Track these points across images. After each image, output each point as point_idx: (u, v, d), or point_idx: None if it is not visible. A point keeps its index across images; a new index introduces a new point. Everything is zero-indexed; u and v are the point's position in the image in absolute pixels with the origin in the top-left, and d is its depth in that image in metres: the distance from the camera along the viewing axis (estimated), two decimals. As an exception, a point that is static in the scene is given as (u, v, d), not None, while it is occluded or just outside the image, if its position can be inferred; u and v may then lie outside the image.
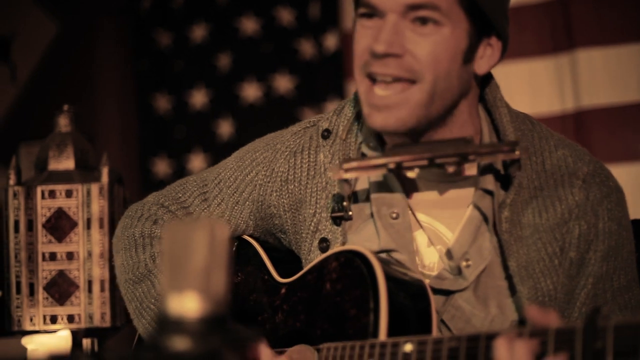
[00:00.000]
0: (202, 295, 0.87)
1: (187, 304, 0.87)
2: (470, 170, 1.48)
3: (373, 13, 1.44)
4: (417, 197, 1.51)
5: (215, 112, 3.58)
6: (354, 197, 1.53)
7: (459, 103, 1.49)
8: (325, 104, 3.47)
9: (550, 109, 3.13)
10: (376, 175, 1.52)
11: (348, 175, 1.48)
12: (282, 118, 3.41)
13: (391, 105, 1.43)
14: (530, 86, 3.14)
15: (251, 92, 3.56)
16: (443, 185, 1.50)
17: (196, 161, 3.58)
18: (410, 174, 1.47)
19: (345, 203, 1.51)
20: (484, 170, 1.49)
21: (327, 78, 3.47)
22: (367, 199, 1.52)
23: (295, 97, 3.52)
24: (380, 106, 1.44)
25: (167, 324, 0.87)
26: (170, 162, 3.62)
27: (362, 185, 1.53)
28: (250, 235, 1.62)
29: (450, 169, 1.44)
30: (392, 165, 1.45)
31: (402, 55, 1.42)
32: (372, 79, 1.44)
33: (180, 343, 0.86)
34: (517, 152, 1.42)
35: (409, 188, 1.52)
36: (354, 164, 1.47)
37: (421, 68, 1.42)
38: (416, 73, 1.42)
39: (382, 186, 1.51)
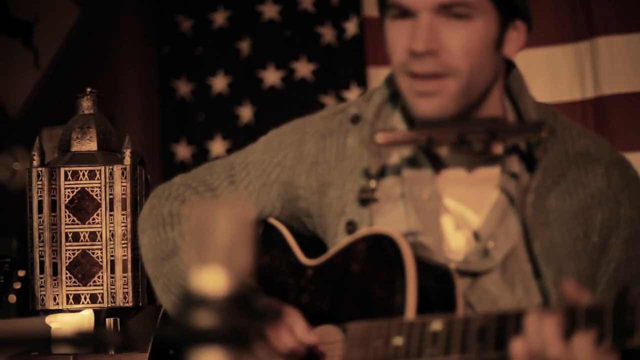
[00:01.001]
0: (228, 271, 0.87)
1: (213, 281, 0.87)
2: (497, 149, 1.50)
3: (405, 13, 1.46)
4: (445, 176, 1.53)
5: (236, 97, 3.59)
6: (382, 180, 1.54)
7: (492, 88, 1.51)
8: (346, 90, 3.47)
9: (571, 97, 3.12)
10: (406, 156, 1.53)
11: (380, 147, 1.49)
12: (302, 103, 3.42)
13: (434, 92, 1.45)
14: (550, 73, 3.14)
15: (271, 77, 3.57)
16: (471, 164, 1.52)
17: (216, 146, 3.60)
18: (440, 151, 1.49)
19: (372, 184, 1.52)
20: (510, 152, 1.51)
21: (348, 63, 3.47)
22: (396, 181, 1.53)
23: (316, 82, 3.52)
24: (424, 92, 1.46)
25: (193, 300, 0.88)
26: (191, 146, 3.63)
27: (390, 168, 1.54)
28: (276, 219, 1.63)
29: (478, 147, 1.46)
30: (422, 140, 1.46)
31: (438, 52, 1.44)
32: (412, 75, 1.47)
33: (205, 320, 0.87)
34: (544, 132, 1.44)
35: (438, 168, 1.53)
36: (386, 136, 1.48)
37: (457, 62, 1.44)
38: (452, 68, 1.45)
39: (413, 167, 1.53)
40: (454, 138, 1.46)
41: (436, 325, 1.30)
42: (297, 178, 1.59)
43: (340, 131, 1.58)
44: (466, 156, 1.51)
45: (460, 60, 1.44)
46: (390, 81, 1.58)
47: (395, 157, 1.54)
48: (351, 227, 1.51)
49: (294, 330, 1.44)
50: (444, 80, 1.45)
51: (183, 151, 3.64)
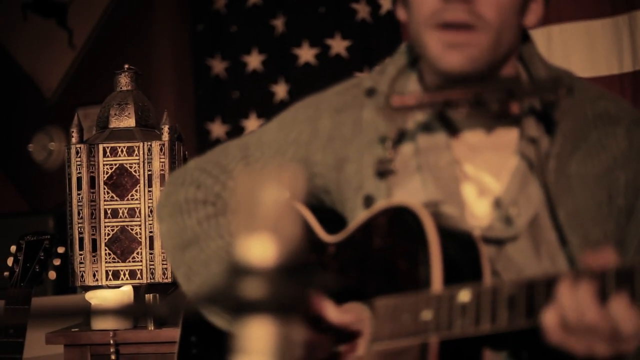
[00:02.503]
0: (275, 240, 0.86)
1: (260, 250, 0.86)
2: (514, 109, 1.48)
3: None
4: (461, 141, 1.50)
5: (270, 74, 3.58)
6: (398, 150, 1.52)
7: (510, 56, 1.49)
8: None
9: (609, 71, 3.09)
10: (421, 123, 1.51)
11: (395, 111, 1.47)
12: (337, 80, 3.40)
13: (464, 44, 1.43)
14: (588, 48, 3.10)
15: (306, 54, 3.55)
16: (488, 127, 1.50)
17: (251, 124, 3.59)
18: (457, 114, 1.47)
19: (389, 154, 1.50)
20: (527, 114, 1.49)
21: (382, 40, 3.44)
22: (412, 151, 1.51)
23: (350, 59, 3.50)
24: (455, 44, 1.43)
25: (239, 271, 0.86)
26: (226, 124, 3.63)
27: (406, 137, 1.52)
28: None
29: (495, 107, 1.44)
30: (438, 102, 1.44)
31: (472, 1, 1.42)
32: (442, 26, 1.44)
33: (253, 290, 0.86)
34: (561, 90, 1.42)
35: (453, 133, 1.51)
36: (401, 99, 1.46)
37: (489, 14, 1.42)
38: (484, 19, 1.42)
39: (428, 134, 1.51)
40: (470, 99, 1.43)
41: (464, 296, 1.28)
42: (313, 155, 1.57)
43: (355, 105, 1.56)
44: (483, 119, 1.49)
45: (492, 12, 1.42)
46: (403, 52, 1.56)
47: (410, 124, 1.52)
48: (369, 201, 1.49)
49: (327, 313, 1.43)
50: (475, 33, 1.42)
51: (218, 129, 3.64)
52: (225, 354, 1.52)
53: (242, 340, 0.85)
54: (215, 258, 1.53)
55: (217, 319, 1.55)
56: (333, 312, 1.41)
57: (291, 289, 0.87)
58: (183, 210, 1.60)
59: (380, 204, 1.45)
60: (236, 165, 1.61)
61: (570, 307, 1.21)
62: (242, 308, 0.87)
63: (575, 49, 3.00)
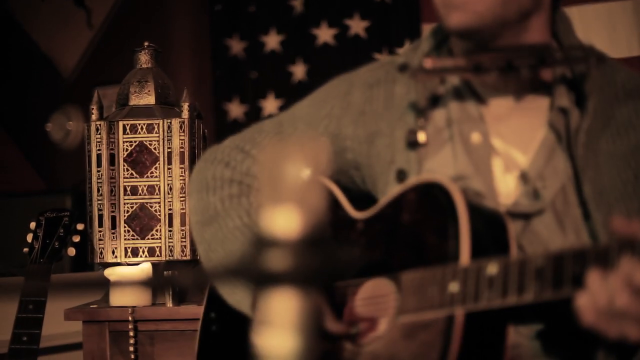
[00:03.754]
0: (301, 212, 0.85)
1: (285, 222, 0.85)
2: (546, 75, 1.47)
3: None
4: (492, 108, 1.50)
5: (289, 55, 3.57)
6: (429, 120, 1.51)
7: (531, 16, 1.47)
8: (400, 47, 3.43)
9: (629, 53, 3.08)
10: (452, 90, 1.50)
11: (427, 74, 1.46)
12: (356, 61, 3.39)
13: (466, 2, 1.42)
14: (609, 29, 3.08)
15: (324, 34, 3.54)
16: (518, 92, 1.49)
17: (269, 104, 3.59)
18: (487, 79, 1.46)
19: (421, 122, 1.49)
20: (557, 83, 1.48)
21: (402, 20, 3.43)
22: (443, 121, 1.51)
23: (369, 39, 3.49)
24: (458, 3, 1.43)
25: (264, 243, 0.85)
26: (244, 104, 3.63)
27: (438, 110, 1.52)
28: None
29: (526, 73, 1.43)
30: (470, 66, 1.43)
31: None
32: None
33: (278, 262, 0.85)
34: (591, 60, 1.41)
35: (484, 100, 1.50)
36: (433, 61, 1.45)
37: None
38: None
39: (459, 104, 1.50)
40: (502, 64, 1.42)
41: (492, 268, 1.28)
42: (345, 129, 1.57)
43: (387, 80, 1.56)
44: (512, 85, 1.48)
45: None
46: (435, 31, 1.55)
47: (441, 89, 1.51)
48: (401, 175, 1.49)
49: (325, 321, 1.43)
50: None
51: (236, 109, 3.64)
52: (247, 329, 1.53)
53: (264, 312, 0.85)
54: (231, 237, 1.54)
55: (232, 298, 1.56)
56: (330, 321, 1.42)
57: (315, 262, 0.87)
58: (209, 187, 1.62)
59: (410, 181, 1.45)
60: (270, 141, 1.62)
61: (601, 294, 1.21)
62: (264, 280, 0.87)
63: (595, 31, 2.99)
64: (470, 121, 1.48)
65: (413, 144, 1.49)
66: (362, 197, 1.56)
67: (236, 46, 3.64)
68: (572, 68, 1.47)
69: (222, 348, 1.67)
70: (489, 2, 1.41)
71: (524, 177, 1.46)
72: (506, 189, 1.47)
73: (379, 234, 1.46)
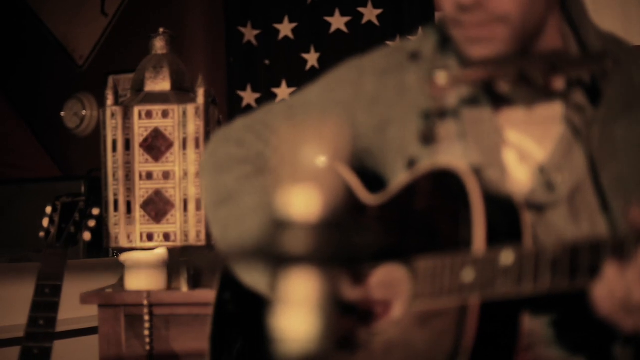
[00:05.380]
0: (318, 193, 0.86)
1: (303, 203, 0.86)
2: (558, 83, 1.47)
3: None
4: (505, 113, 1.50)
5: (302, 42, 3.58)
6: (442, 119, 1.51)
7: (547, 18, 1.47)
8: (413, 35, 3.43)
9: (642, 41, 3.07)
10: (465, 96, 1.50)
11: (441, 88, 1.47)
12: (369, 49, 3.39)
13: (486, 38, 1.42)
14: (622, 18, 3.08)
15: (337, 22, 3.55)
16: (532, 101, 1.49)
17: (282, 92, 3.60)
18: (500, 88, 1.46)
19: (432, 125, 1.49)
20: (572, 85, 1.47)
21: (415, 8, 3.43)
22: (455, 122, 1.51)
23: (382, 27, 3.49)
24: (476, 39, 1.43)
25: (281, 224, 0.86)
26: (257, 92, 3.64)
27: (450, 108, 1.52)
28: None
29: (540, 81, 1.43)
30: (483, 77, 1.44)
31: (486, 3, 1.40)
32: (463, 24, 1.44)
33: (294, 243, 0.85)
34: (608, 63, 1.40)
35: (498, 105, 1.50)
36: (446, 76, 1.46)
37: (507, 9, 1.40)
38: (503, 15, 1.40)
39: (472, 107, 1.50)
40: (514, 73, 1.43)
41: (507, 257, 1.27)
42: (356, 116, 1.57)
43: (399, 68, 1.55)
44: (527, 93, 1.48)
45: (509, 6, 1.40)
46: (441, 25, 1.55)
47: (453, 97, 1.51)
48: (412, 164, 1.49)
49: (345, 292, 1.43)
50: (496, 26, 1.41)
51: (249, 97, 3.65)
52: (261, 310, 1.54)
53: (281, 292, 0.86)
54: (249, 214, 1.53)
55: (249, 278, 1.56)
56: (347, 289, 1.42)
57: (332, 244, 0.88)
58: (223, 167, 1.61)
59: (424, 165, 1.45)
60: (280, 125, 1.61)
61: (618, 286, 1.20)
62: (282, 261, 0.88)
63: (609, 20, 2.98)
64: (481, 119, 1.48)
65: (426, 140, 1.49)
66: (374, 182, 1.56)
67: (249, 34, 3.65)
68: (588, 72, 1.47)
69: (235, 330, 1.67)
70: (507, 39, 1.41)
71: (541, 169, 1.46)
72: (520, 179, 1.46)
73: (393, 219, 1.46)
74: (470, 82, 1.47)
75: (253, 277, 1.55)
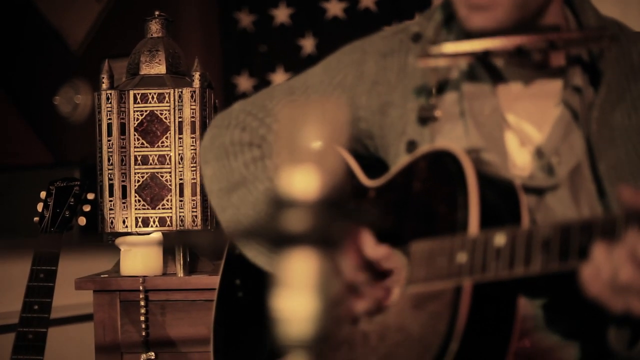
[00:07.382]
0: (319, 173, 0.85)
1: (303, 182, 0.85)
2: (558, 60, 1.45)
3: None
4: (505, 90, 1.49)
5: (298, 28, 3.56)
6: (442, 97, 1.50)
7: (548, 4, 1.46)
8: (410, 21, 3.41)
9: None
10: (464, 70, 1.49)
11: (434, 62, 1.45)
12: (366, 35, 3.37)
13: (488, 5, 1.40)
14: (621, 15, 3.07)
15: (334, 8, 3.53)
16: (530, 77, 1.48)
17: (278, 78, 3.58)
18: (498, 62, 1.44)
19: (432, 101, 1.48)
20: (571, 64, 1.46)
21: (413, -7, 3.42)
22: (455, 98, 1.50)
23: (379, 13, 3.47)
24: (478, 5, 1.41)
25: (282, 204, 0.85)
26: (253, 78, 3.62)
27: (449, 84, 1.50)
28: None
29: (538, 57, 1.41)
30: (479, 51, 1.42)
31: None
32: None
33: (296, 223, 0.85)
34: (606, 40, 1.39)
35: (497, 81, 1.49)
36: (440, 49, 1.44)
37: None
38: None
39: (472, 81, 1.49)
40: (512, 49, 1.41)
41: (499, 239, 1.26)
42: (358, 98, 1.56)
43: (401, 50, 1.55)
44: (525, 68, 1.47)
45: None
46: (449, 2, 1.53)
47: (454, 72, 1.50)
48: (412, 146, 1.48)
49: (364, 246, 1.41)
50: None
51: (245, 83, 3.63)
52: (265, 293, 1.52)
53: (283, 273, 0.84)
54: (263, 199, 1.53)
55: (260, 258, 1.54)
56: (370, 246, 1.40)
57: (333, 222, 0.87)
58: (229, 153, 1.60)
59: (422, 149, 1.44)
60: (288, 104, 1.59)
61: (605, 266, 1.19)
62: (284, 241, 0.87)
63: (607, 11, 2.97)
64: (482, 95, 1.47)
65: (425, 120, 1.48)
66: (375, 165, 1.55)
67: (245, 19, 3.63)
68: (587, 49, 1.45)
69: (240, 313, 1.66)
70: (507, 7, 1.40)
71: (539, 153, 1.45)
72: (521, 162, 1.45)
73: (390, 202, 1.45)
74: (464, 55, 1.45)
75: (264, 259, 1.53)
